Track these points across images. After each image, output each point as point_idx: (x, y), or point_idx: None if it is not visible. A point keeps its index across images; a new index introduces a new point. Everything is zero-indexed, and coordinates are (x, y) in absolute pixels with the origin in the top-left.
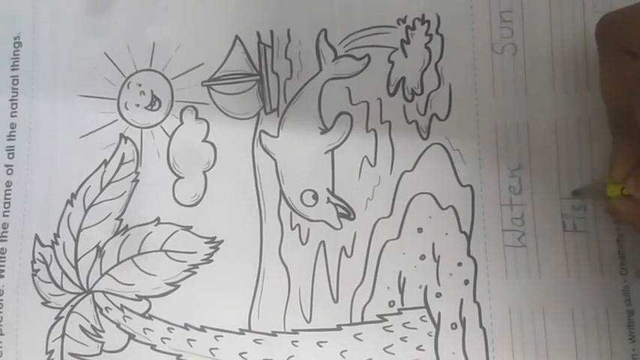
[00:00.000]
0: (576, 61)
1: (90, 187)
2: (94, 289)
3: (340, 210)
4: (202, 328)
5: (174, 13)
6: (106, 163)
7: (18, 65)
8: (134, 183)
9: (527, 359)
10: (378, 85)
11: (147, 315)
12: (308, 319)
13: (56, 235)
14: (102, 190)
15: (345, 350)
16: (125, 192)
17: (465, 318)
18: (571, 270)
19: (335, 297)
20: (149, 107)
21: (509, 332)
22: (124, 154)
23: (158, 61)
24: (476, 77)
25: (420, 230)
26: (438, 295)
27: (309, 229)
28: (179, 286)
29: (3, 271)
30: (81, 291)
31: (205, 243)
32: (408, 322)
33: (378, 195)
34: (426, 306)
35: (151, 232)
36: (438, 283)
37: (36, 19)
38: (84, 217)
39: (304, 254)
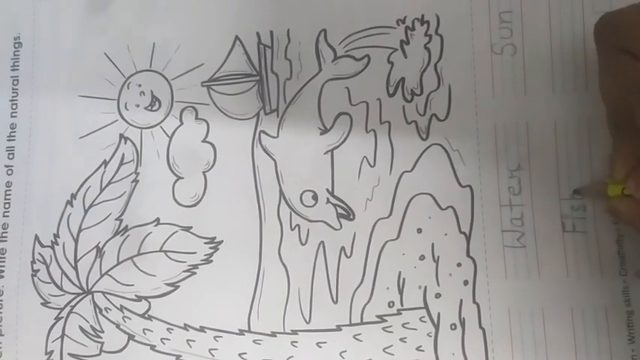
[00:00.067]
0: (576, 61)
1: (90, 187)
2: (93, 289)
3: (340, 210)
4: (202, 329)
5: (174, 14)
6: (105, 163)
7: (18, 65)
8: (134, 183)
9: None
10: (377, 85)
11: (146, 315)
12: (307, 320)
13: (56, 236)
14: (102, 190)
15: (345, 351)
16: (125, 192)
17: (464, 318)
18: (570, 270)
19: (334, 297)
20: (149, 108)
21: (508, 333)
22: (123, 154)
23: (158, 62)
24: (475, 78)
25: (419, 231)
26: (438, 295)
27: (308, 230)
28: (179, 286)
29: (3, 271)
30: (80, 291)
31: (205, 243)
32: (408, 323)
33: (377, 195)
34: (426, 306)
35: (151, 233)
36: (438, 284)
37: (36, 19)
38: (84, 217)
39: (304, 255)
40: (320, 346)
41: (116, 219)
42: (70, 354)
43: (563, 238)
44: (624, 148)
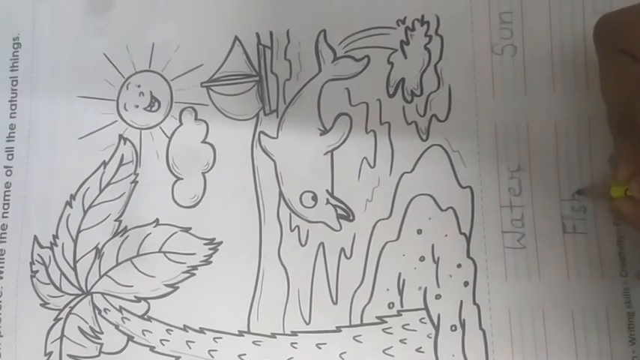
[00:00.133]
0: (576, 61)
1: (89, 188)
2: (92, 290)
3: (339, 211)
4: (201, 330)
5: (174, 14)
6: (105, 164)
7: (17, 66)
8: (133, 184)
9: None
10: (377, 86)
11: (146, 316)
12: (307, 321)
13: (55, 237)
14: (101, 191)
15: (345, 352)
16: (124, 193)
17: (464, 320)
18: (571, 272)
19: (334, 298)
20: (148, 108)
21: (508, 334)
22: (123, 155)
23: (157, 62)
24: (475, 78)
25: (419, 232)
26: (438, 296)
27: (308, 231)
28: (178, 287)
29: (2, 272)
30: (80, 292)
31: (204, 244)
32: (408, 324)
33: (377, 196)
34: (426, 308)
35: (150, 234)
36: (438, 285)
37: (35, 19)
38: (83, 218)
39: (303, 256)
40: (320, 348)
41: (115, 220)
42: (69, 355)
43: (563, 239)
44: (626, 150)
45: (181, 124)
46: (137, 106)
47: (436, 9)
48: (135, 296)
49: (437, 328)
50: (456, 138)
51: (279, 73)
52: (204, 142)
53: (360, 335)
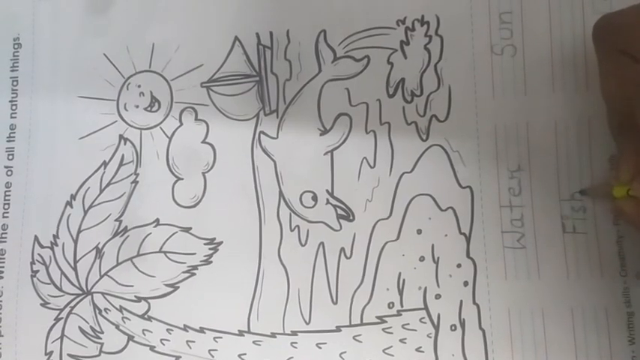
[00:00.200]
0: (576, 61)
1: (89, 188)
2: (93, 290)
3: (339, 211)
4: (201, 330)
5: (174, 14)
6: (105, 164)
7: (17, 66)
8: (133, 184)
9: None
10: (377, 86)
11: (146, 316)
12: (307, 321)
13: (55, 237)
14: (101, 191)
15: (345, 352)
16: (124, 193)
17: (464, 319)
18: (571, 271)
19: (334, 298)
20: (148, 108)
21: (508, 334)
22: (123, 155)
23: (157, 62)
24: (475, 78)
25: (419, 231)
26: (438, 296)
27: (308, 231)
28: (178, 287)
29: (2, 272)
30: (80, 292)
31: (205, 244)
32: (408, 324)
33: (377, 196)
34: (426, 307)
35: (151, 234)
36: (438, 285)
37: (36, 19)
38: (83, 218)
39: (303, 255)
40: (320, 347)
41: (116, 220)
42: (69, 355)
43: (563, 239)
44: (628, 150)
45: (181, 124)
46: (137, 107)
47: (436, 9)
48: (135, 296)
49: (437, 327)
50: (456, 138)
51: (279, 73)
52: (204, 142)
53: (360, 335)
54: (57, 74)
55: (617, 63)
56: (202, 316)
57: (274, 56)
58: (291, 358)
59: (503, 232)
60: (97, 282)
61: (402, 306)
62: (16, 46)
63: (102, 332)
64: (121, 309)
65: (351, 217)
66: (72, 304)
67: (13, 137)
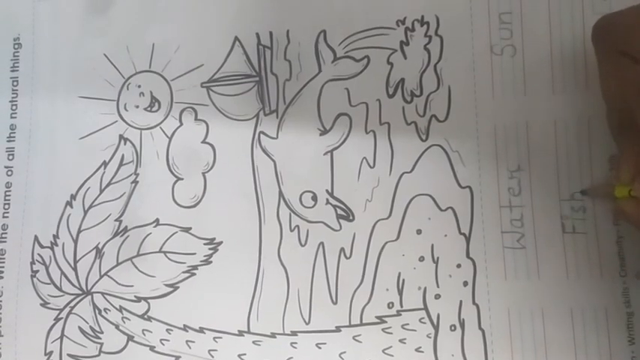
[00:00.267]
0: (575, 62)
1: (89, 188)
2: (93, 290)
3: (339, 211)
4: (201, 330)
5: (174, 14)
6: (105, 164)
7: (18, 66)
8: (133, 184)
9: None
10: (377, 86)
11: (146, 316)
12: (307, 321)
13: (55, 237)
14: (101, 191)
15: (344, 352)
16: (124, 193)
17: (464, 320)
18: (570, 271)
19: (334, 298)
20: (148, 108)
21: (508, 334)
22: (123, 155)
23: (157, 62)
24: (475, 79)
25: (419, 232)
26: (437, 296)
27: (308, 231)
28: (178, 287)
29: (2, 272)
30: (80, 292)
31: (204, 244)
32: (407, 324)
33: (377, 196)
34: (425, 308)
35: (150, 234)
36: (437, 285)
37: (36, 20)
38: (83, 218)
39: (303, 255)
40: (319, 347)
41: (116, 220)
42: (69, 355)
43: (563, 239)
44: (628, 150)
45: (181, 124)
46: (137, 107)
47: (436, 9)
48: (135, 296)
49: (436, 327)
50: (456, 138)
51: (279, 73)
52: (204, 142)
53: (359, 335)
54: (57, 74)
55: (616, 64)
56: (202, 316)
57: (274, 56)
58: (291, 358)
59: (502, 232)
60: (96, 282)
61: (401, 306)
62: (16, 46)
63: (102, 332)
64: (120, 309)
65: (351, 217)
66: (72, 304)
67: (13, 137)
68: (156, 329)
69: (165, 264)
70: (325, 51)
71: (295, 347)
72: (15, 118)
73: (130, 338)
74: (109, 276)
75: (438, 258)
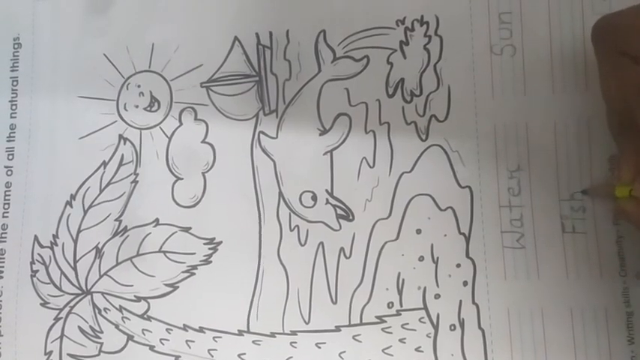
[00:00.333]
0: (575, 62)
1: (89, 188)
2: (92, 290)
3: (339, 211)
4: (201, 329)
5: (174, 14)
6: (105, 164)
7: (17, 66)
8: (133, 184)
9: None
10: (377, 86)
11: (145, 316)
12: (307, 321)
13: (55, 236)
14: (101, 191)
15: (344, 351)
16: (124, 193)
17: (463, 319)
18: (570, 271)
19: (334, 298)
20: (148, 108)
21: (508, 333)
22: (123, 155)
23: (157, 62)
24: (475, 78)
25: (418, 231)
26: (437, 296)
27: (307, 230)
28: (178, 287)
29: (2, 272)
30: (80, 292)
31: (204, 244)
32: (407, 324)
33: (376, 196)
34: (425, 307)
35: (150, 233)
36: (437, 285)
37: (36, 20)
38: (83, 218)
39: (303, 255)
40: (319, 347)
41: (115, 219)
42: (69, 354)
43: (562, 238)
44: (629, 150)
45: (181, 124)
46: (137, 106)
47: (435, 9)
48: (135, 296)
49: (436, 327)
50: (456, 138)
51: (279, 73)
52: (203, 142)
53: (359, 335)
54: (57, 74)
55: (616, 64)
56: (202, 316)
57: (274, 56)
58: (291, 357)
59: (502, 232)
60: (96, 282)
61: (401, 306)
62: (16, 46)
63: (101, 332)
64: (120, 309)
65: (351, 217)
66: (71, 304)
67: (13, 137)
68: (156, 329)
69: (165, 264)
70: (325, 51)
71: (295, 347)
72: (15, 117)
73: (130, 338)
74: (108, 276)
75: (437, 258)
